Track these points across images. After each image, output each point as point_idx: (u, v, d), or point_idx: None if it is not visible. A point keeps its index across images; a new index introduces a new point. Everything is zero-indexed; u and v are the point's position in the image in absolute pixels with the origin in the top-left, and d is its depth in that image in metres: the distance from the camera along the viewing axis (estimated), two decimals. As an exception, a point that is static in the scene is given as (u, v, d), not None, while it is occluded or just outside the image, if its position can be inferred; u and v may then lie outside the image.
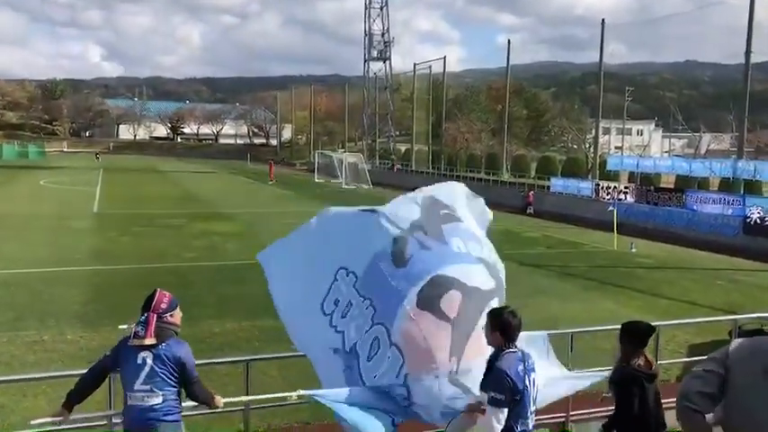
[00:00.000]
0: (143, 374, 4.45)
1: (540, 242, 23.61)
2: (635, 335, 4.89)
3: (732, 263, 20.17)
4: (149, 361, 4.46)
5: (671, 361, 8.98)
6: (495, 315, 4.47)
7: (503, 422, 4.22)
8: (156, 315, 4.56)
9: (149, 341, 4.47)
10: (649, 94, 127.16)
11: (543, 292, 14.70)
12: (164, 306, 4.63)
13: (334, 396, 4.63)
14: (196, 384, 4.63)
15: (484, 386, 4.39)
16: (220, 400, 4.74)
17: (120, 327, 11.87)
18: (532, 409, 4.44)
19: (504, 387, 4.21)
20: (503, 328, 4.39)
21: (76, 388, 4.61)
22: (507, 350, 4.36)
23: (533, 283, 15.72)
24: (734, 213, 25.64)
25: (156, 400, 4.43)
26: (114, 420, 5.40)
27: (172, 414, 4.49)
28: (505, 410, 4.22)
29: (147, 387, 4.44)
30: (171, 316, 4.65)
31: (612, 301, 14.01)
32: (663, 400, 6.51)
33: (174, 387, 4.52)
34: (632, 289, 15.50)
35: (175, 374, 4.51)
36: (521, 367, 4.32)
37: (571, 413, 6.96)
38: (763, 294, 15.43)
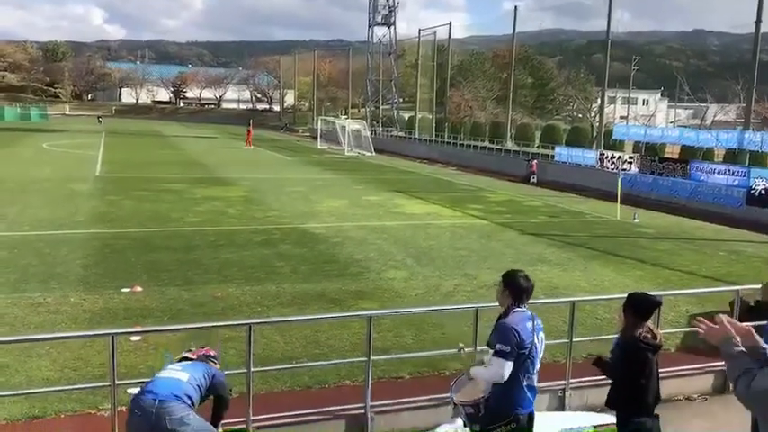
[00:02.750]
0: (182, 363, 5.10)
1: (542, 211, 23.58)
2: (640, 307, 4.78)
3: (735, 234, 20.14)
4: (190, 358, 5.21)
5: (671, 331, 9.01)
6: (509, 276, 4.58)
7: (507, 374, 4.32)
8: (206, 354, 5.36)
9: (192, 357, 5.25)
10: (656, 64, 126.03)
11: (544, 261, 14.72)
12: (213, 353, 5.43)
13: None
14: (223, 399, 5.15)
15: (490, 341, 4.49)
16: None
17: (123, 290, 11.98)
18: (538, 366, 4.55)
19: (510, 340, 4.33)
20: (514, 289, 4.51)
21: None
22: (516, 309, 4.48)
23: (535, 252, 15.74)
24: (738, 185, 25.55)
25: (183, 376, 4.83)
26: (117, 382, 5.45)
27: (189, 399, 4.73)
28: (511, 363, 4.31)
29: (179, 367, 4.98)
30: (214, 363, 5.36)
31: (614, 271, 14.02)
32: (660, 370, 6.58)
33: (198, 390, 4.87)
34: (634, 259, 15.50)
35: (204, 381, 4.96)
36: (529, 324, 4.46)
37: (570, 381, 7.02)
38: (766, 266, 15.43)
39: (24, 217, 17.89)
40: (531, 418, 4.57)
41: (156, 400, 4.49)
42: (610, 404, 4.96)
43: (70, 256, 13.49)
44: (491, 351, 4.38)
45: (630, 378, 4.74)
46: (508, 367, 4.30)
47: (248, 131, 54.16)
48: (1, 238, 15.04)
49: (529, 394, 4.51)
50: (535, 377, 4.54)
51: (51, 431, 6.01)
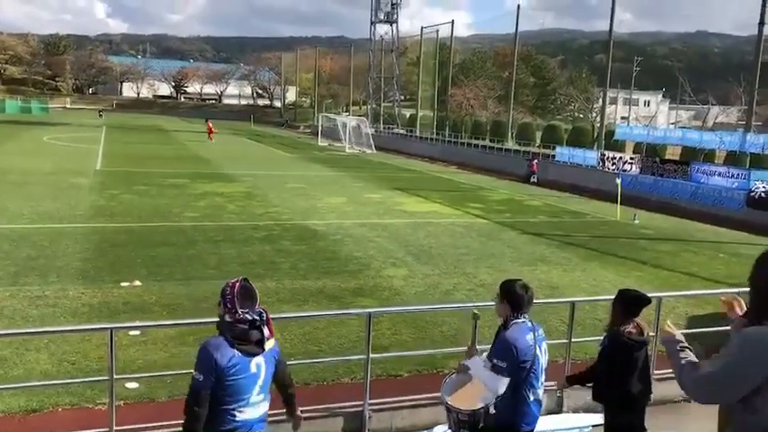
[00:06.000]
0: (258, 384, 3.72)
1: (542, 211, 23.56)
2: (628, 303, 4.83)
3: (735, 236, 20.13)
4: (263, 367, 3.74)
5: (670, 332, 8.98)
6: (506, 286, 4.44)
7: (502, 390, 4.21)
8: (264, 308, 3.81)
9: (270, 343, 3.77)
10: (658, 65, 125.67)
11: (544, 261, 14.71)
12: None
13: None
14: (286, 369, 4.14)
15: (490, 354, 4.40)
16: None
17: (123, 284, 11.96)
18: (543, 378, 4.44)
19: (507, 355, 4.21)
20: (512, 299, 4.37)
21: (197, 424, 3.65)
22: (514, 320, 4.35)
23: (534, 252, 15.72)
24: (739, 187, 25.53)
25: (266, 406, 3.83)
26: (116, 376, 5.43)
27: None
28: (507, 379, 4.20)
29: (261, 396, 3.76)
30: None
31: (613, 272, 14.00)
32: (658, 371, 6.55)
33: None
34: (633, 260, 15.49)
35: (275, 374, 3.91)
36: (529, 336, 4.32)
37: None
38: (765, 268, 15.41)
39: (24, 210, 17.87)
40: None
41: None
42: (594, 396, 5.03)
43: (70, 250, 13.48)
44: (489, 365, 4.29)
45: (611, 371, 4.81)
46: (503, 383, 4.19)
47: (208, 127, 56.22)
48: (1, 231, 15.03)
49: (535, 410, 4.39)
50: (540, 391, 4.41)
51: (49, 425, 6.00)
